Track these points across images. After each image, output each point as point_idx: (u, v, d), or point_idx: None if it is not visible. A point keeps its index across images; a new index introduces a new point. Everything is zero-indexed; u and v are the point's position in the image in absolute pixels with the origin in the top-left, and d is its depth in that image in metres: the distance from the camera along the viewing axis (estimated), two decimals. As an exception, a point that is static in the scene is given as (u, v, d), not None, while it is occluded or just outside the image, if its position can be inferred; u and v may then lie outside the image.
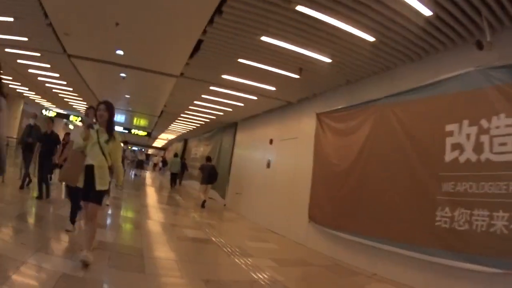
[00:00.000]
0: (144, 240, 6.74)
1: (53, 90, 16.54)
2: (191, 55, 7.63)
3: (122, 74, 10.31)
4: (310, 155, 8.96)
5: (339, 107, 8.23)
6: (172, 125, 21.89)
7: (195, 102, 12.59)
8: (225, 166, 16.49)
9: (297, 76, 7.90)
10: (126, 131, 27.10)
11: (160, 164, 38.63)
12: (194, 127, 20.69)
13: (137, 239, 6.81)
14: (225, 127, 18.03)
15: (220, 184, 16.37)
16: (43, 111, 24.72)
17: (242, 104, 11.72)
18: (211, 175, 14.07)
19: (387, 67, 7.01)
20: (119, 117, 24.00)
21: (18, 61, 11.28)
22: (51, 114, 24.68)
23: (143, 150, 43.24)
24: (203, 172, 14.25)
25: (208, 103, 12.38)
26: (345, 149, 7.69)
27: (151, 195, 16.45)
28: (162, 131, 27.93)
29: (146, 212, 10.44)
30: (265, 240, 9.11)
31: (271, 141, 11.75)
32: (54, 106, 23.93)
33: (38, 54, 9.93)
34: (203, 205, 13.38)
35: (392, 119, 6.55)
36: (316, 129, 8.95)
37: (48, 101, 22.00)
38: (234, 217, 12.47)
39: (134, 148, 49.76)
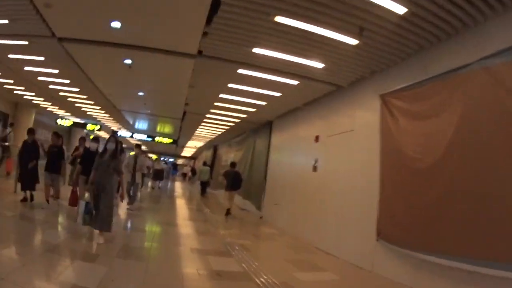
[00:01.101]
0: (146, 282, 4.77)
1: (60, 94, 15.22)
2: (209, 18, 5.81)
3: (127, 61, 8.60)
4: (374, 150, 6.99)
5: (411, 83, 6.21)
6: (198, 129, 20.39)
7: (221, 95, 10.79)
8: (260, 173, 14.64)
9: (355, 42, 6.00)
10: (150, 139, 25.70)
11: (189, 174, 38.36)
12: (223, 130, 19.09)
13: (137, 281, 4.79)
14: (258, 129, 16.21)
15: (254, 194, 14.77)
16: (58, 120, 23.62)
17: (279, 94, 9.79)
18: (235, 181, 13.91)
19: (474, 20, 5.03)
20: (141, 124, 22.94)
21: (10, 56, 10.01)
22: (67, 123, 23.58)
23: (163, 159, 40.44)
24: (227, 179, 14.05)
25: (237, 95, 10.54)
26: (428, 137, 5.63)
27: (174, 208, 14.73)
28: (189, 138, 26.61)
29: (161, 233, 8.72)
30: (318, 266, 7.05)
31: (317, 139, 9.77)
32: (69, 114, 22.77)
33: (26, 43, 8.48)
34: (227, 213, 13.23)
35: (497, 89, 4.54)
36: (382, 115, 6.92)
37: (60, 108, 20.81)
38: (273, 234, 10.46)
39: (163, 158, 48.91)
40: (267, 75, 8.23)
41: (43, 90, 14.91)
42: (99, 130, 25.24)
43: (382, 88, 7.04)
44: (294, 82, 8.50)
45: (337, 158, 8.65)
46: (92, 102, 16.53)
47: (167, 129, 23.39)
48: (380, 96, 6.95)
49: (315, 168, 9.59)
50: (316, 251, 8.29)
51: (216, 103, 11.96)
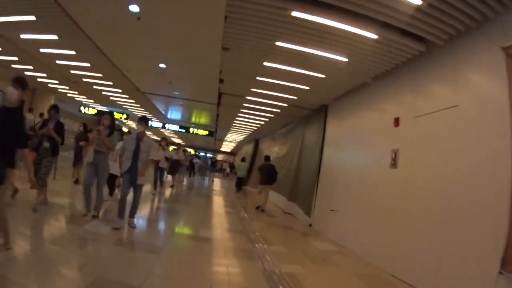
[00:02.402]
0: None
1: (72, 72, 13.59)
2: None
3: (133, 7, 6.49)
4: (498, 133, 4.67)
5: None
6: (237, 118, 18.28)
7: (266, 64, 8.40)
8: (310, 171, 12.29)
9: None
10: (184, 130, 23.90)
11: (228, 170, 38.88)
12: (266, 119, 16.87)
13: None
14: (308, 116, 13.91)
15: (303, 196, 12.51)
16: (82, 108, 22.12)
17: (345, 59, 7.32)
18: (271, 175, 13.90)
19: None
20: (174, 114, 21.72)
21: (22, 36, 9.51)
22: (91, 111, 22.01)
23: (182, 149, 34.91)
24: (261, 173, 14.13)
25: (286, 63, 8.17)
26: None
27: (202, 211, 12.21)
28: (228, 130, 24.66)
29: (169, 254, 6.12)
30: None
31: (396, 122, 7.27)
32: (92, 101, 21.29)
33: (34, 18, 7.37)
34: (259, 208, 13.70)
35: None
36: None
37: (80, 93, 19.29)
38: (330, 252, 7.98)
39: (202, 153, 47.58)
40: (332, 22, 5.79)
41: (52, 68, 13.28)
42: (126, 119, 23.57)
43: (499, 41, 4.73)
44: (371, 35, 6.05)
45: (431, 148, 6.14)
46: (110, 83, 14.74)
47: (203, 118, 21.73)
48: (504, 49, 4.48)
49: (393, 163, 7.09)
50: (397, 284, 5.86)
51: (258, 78, 9.64)
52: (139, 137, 7.28)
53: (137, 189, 7.29)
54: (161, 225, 8.75)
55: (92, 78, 14.18)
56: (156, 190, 13.50)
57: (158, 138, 17.06)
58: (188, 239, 7.69)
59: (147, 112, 22.49)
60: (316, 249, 8.22)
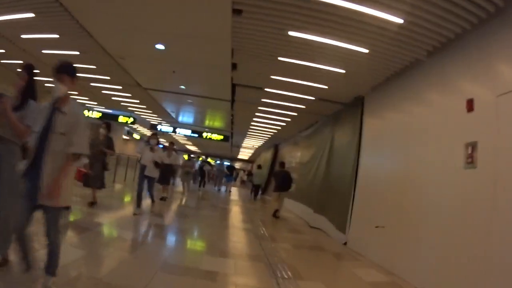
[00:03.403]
0: None
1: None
2: None
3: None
4: None
5: None
6: (255, 119, 16.75)
7: (291, 33, 6.58)
8: (342, 178, 10.55)
9: None
10: (196, 135, 22.68)
11: (245, 178, 39.03)
12: (288, 119, 15.38)
13: None
14: (338, 114, 12.22)
15: (334, 208, 10.68)
16: (85, 111, 20.84)
17: (400, 20, 5.55)
18: (285, 181, 14.14)
19: None
20: (185, 117, 20.58)
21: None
22: (95, 115, 20.65)
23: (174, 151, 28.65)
24: (275, 179, 14.44)
25: (318, 31, 6.43)
26: None
27: (211, 227, 10.40)
28: (244, 134, 23.28)
29: None
30: None
31: (469, 105, 5.50)
32: (96, 103, 20.02)
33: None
34: (274, 215, 13.51)
35: None
36: None
37: (80, 94, 17.83)
38: (380, 283, 6.14)
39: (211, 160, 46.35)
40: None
41: (40, 59, 11.82)
42: (132, 123, 22.34)
43: None
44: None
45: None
46: (106, 78, 13.32)
47: (217, 121, 20.48)
48: None
49: (470, 161, 5.30)
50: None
51: (280, 58, 7.92)
52: (56, 106, 3.53)
53: (50, 215, 3.46)
54: (147, 253, 6.43)
55: (86, 71, 12.56)
56: (141, 208, 9.58)
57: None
58: (184, 275, 5.28)
59: (155, 115, 21.21)
60: (363, 282, 6.29)
